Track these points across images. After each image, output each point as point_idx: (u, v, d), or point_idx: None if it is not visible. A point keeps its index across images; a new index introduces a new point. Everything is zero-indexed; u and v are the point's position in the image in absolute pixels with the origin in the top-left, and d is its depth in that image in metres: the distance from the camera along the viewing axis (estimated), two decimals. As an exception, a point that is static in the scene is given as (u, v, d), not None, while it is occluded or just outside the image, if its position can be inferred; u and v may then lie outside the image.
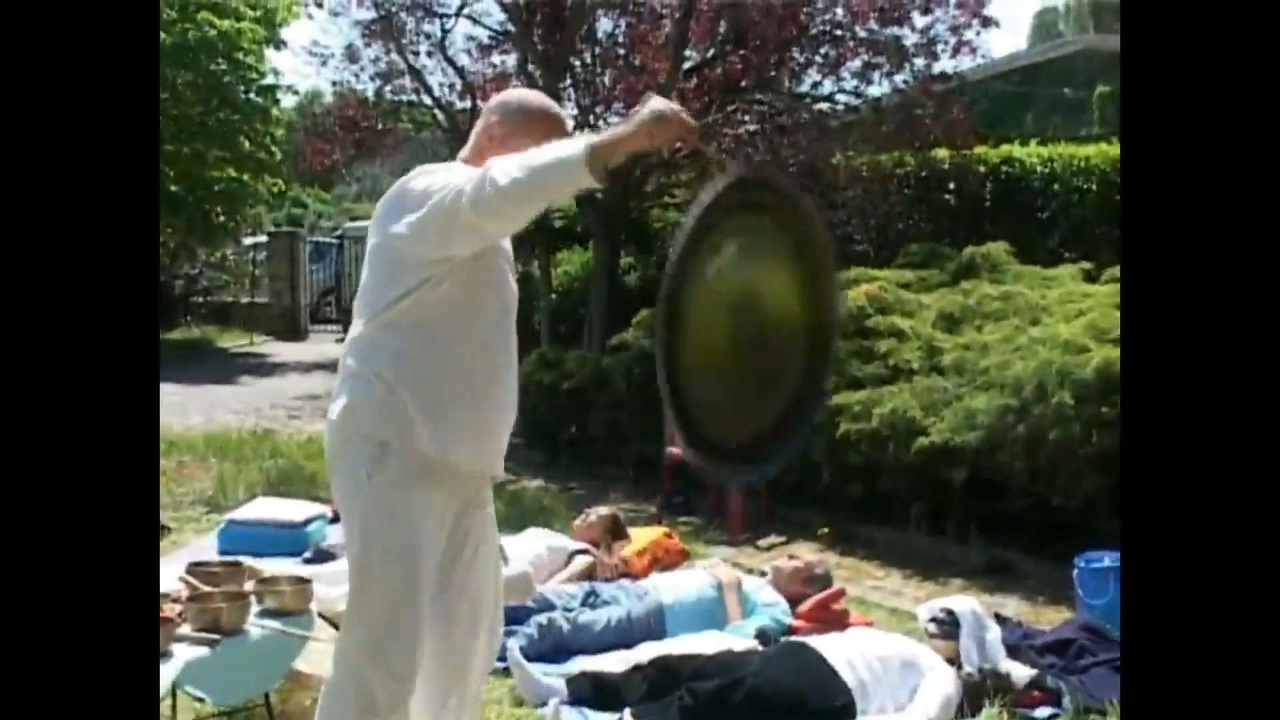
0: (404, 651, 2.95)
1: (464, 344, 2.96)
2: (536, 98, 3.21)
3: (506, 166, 2.69)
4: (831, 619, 4.98)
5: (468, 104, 12.60)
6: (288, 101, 21.85)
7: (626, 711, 3.91)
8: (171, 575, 4.91)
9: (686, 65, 11.55)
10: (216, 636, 3.79)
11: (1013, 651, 4.55)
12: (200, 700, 3.98)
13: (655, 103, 2.65)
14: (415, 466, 2.94)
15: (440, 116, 13.08)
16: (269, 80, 20.82)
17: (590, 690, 4.20)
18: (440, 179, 2.83)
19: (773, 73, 12.12)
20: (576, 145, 2.63)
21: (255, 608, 3.99)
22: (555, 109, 3.16)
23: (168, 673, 3.61)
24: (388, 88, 13.55)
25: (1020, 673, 4.39)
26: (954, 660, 4.36)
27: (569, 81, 12.15)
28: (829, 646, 4.24)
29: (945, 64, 11.95)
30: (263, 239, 24.94)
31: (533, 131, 2.95)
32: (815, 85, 12.82)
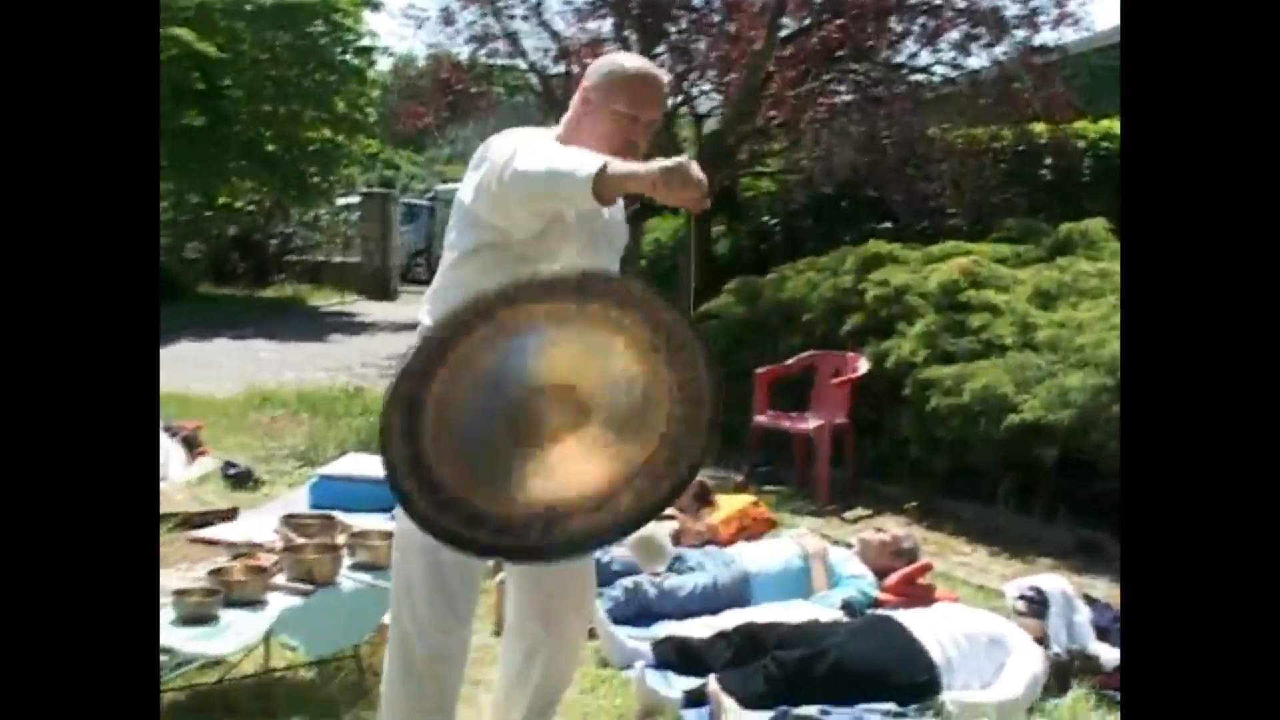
0: (429, 603, 2.94)
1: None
2: (632, 60, 3.07)
3: (529, 157, 2.63)
4: (918, 593, 4.95)
5: (562, 69, 12.62)
6: (383, 64, 22.06)
7: (711, 677, 3.92)
8: (265, 526, 5.02)
9: (783, 33, 11.45)
10: (310, 587, 3.87)
11: (1102, 634, 4.50)
12: (292, 649, 4.07)
13: (678, 160, 2.49)
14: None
15: (534, 81, 13.11)
16: (365, 42, 21.00)
17: (675, 655, 4.22)
18: (508, 146, 2.76)
19: (870, 43, 11.98)
20: (593, 163, 2.50)
21: (347, 561, 4.06)
22: (651, 71, 3.01)
23: (263, 620, 3.70)
24: (482, 51, 13.57)
25: (1109, 655, 4.34)
26: (1042, 640, 4.32)
27: (664, 48, 12.10)
28: (916, 621, 4.22)
29: (1046, 36, 11.72)
30: (355, 199, 25.21)
31: (625, 96, 2.88)
32: (912, 56, 12.66)
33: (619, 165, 2.51)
